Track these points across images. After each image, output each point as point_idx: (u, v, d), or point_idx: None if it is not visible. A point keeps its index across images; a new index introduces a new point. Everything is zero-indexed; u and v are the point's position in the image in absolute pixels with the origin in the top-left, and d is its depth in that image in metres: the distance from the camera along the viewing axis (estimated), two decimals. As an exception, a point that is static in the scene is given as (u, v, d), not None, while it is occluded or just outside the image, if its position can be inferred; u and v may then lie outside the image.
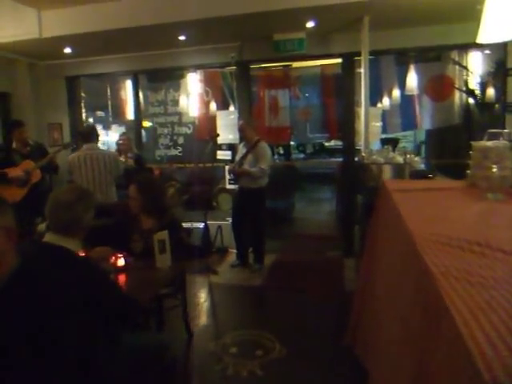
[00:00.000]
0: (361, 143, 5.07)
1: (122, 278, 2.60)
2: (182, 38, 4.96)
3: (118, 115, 7.36)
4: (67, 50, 5.41)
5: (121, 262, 2.64)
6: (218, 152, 5.75)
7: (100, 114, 8.45)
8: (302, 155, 10.02)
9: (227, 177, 5.47)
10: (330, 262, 5.17)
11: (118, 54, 5.78)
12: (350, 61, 5.16)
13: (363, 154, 4.23)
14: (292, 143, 8.90)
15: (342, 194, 5.96)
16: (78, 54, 5.65)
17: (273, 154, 8.30)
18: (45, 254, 1.71)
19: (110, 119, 7.74)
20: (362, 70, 4.47)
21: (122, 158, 5.34)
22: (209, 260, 5.02)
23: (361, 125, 5.08)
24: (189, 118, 6.06)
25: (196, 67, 5.74)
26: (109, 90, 6.99)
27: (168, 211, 3.22)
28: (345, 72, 5.23)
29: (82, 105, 6.56)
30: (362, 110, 4.53)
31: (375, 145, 5.18)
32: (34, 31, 4.72)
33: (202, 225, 5.52)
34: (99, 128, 7.77)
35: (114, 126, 8.09)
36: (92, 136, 4.49)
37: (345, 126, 5.30)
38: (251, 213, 4.83)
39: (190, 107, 6.07)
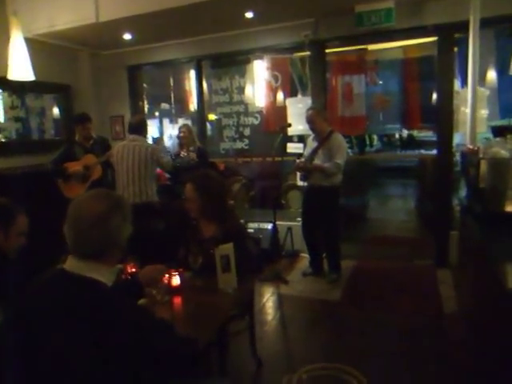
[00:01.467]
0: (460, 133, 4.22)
1: (177, 302, 2.09)
2: (249, 14, 4.37)
3: (182, 107, 6.97)
4: (127, 37, 5.05)
5: (176, 280, 2.13)
6: (289, 144, 5.12)
7: (165, 106, 8.15)
8: (379, 147, 9.07)
9: (298, 172, 4.84)
10: (419, 273, 4.39)
11: (180, 40, 5.33)
12: (448, 35, 4.28)
13: (470, 147, 3.40)
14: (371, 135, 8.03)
15: (432, 192, 5.09)
16: (138, 41, 5.28)
17: (351, 147, 7.57)
18: (68, 292, 1.23)
19: (173, 111, 7.38)
20: (471, 42, 3.61)
21: (183, 153, 4.94)
22: (278, 266, 4.45)
23: (459, 112, 4.25)
24: (255, 108, 5.48)
25: (264, 50, 5.13)
26: (171, 80, 6.60)
27: (232, 215, 2.68)
28: (442, 49, 4.35)
29: (144, 96, 6.25)
30: (468, 93, 3.67)
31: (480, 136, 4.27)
32: (91, 16, 4.37)
33: (270, 225, 4.95)
34: (166, 122, 7.51)
35: (180, 120, 7.74)
36: (140, 128, 4.15)
37: (440, 114, 4.43)
38: (323, 214, 4.18)
39: (256, 95, 5.49)
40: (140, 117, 4.70)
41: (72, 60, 5.71)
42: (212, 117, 5.84)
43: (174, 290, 2.11)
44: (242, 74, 5.46)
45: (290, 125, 4.58)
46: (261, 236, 4.93)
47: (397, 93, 5.54)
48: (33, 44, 4.32)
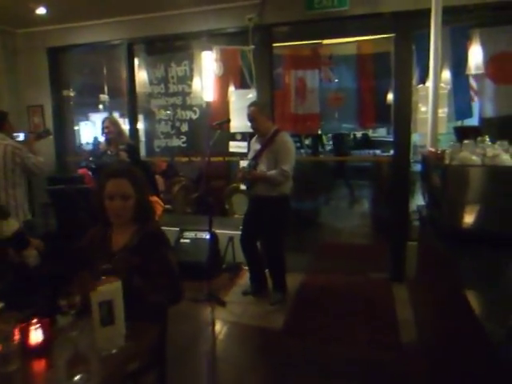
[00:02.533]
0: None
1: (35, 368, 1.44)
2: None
3: (118, 99, 6.21)
4: (41, 11, 4.26)
5: (35, 335, 1.48)
6: (231, 143, 4.54)
7: (104, 97, 7.31)
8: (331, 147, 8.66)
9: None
10: (373, 290, 3.92)
11: (108, 19, 4.61)
12: (406, 25, 3.85)
13: (432, 150, 2.95)
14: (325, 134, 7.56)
15: (387, 196, 4.67)
16: (58, 18, 4.52)
17: (300, 147, 7.04)
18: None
19: (107, 104, 6.60)
20: (433, 33, 3.15)
21: (110, 150, 4.25)
22: (214, 283, 3.84)
23: (417, 110, 3.83)
24: (195, 100, 4.83)
25: (203, 34, 4.49)
26: (104, 67, 5.82)
27: (154, 216, 2.14)
28: (399, 43, 3.92)
29: (70, 84, 5.45)
30: (429, 90, 3.21)
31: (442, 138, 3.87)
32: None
33: (207, 235, 4.35)
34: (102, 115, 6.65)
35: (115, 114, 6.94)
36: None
37: (397, 112, 3.99)
38: (269, 226, 3.62)
39: (196, 85, 4.84)
40: None
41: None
42: (162, 112, 5.02)
43: (32, 351, 1.46)
44: (179, 62, 4.78)
45: (228, 120, 3.98)
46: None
47: (352, 90, 5.11)
48: None
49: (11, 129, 3.51)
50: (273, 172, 3.47)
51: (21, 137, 4.43)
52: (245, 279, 4.08)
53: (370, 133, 8.94)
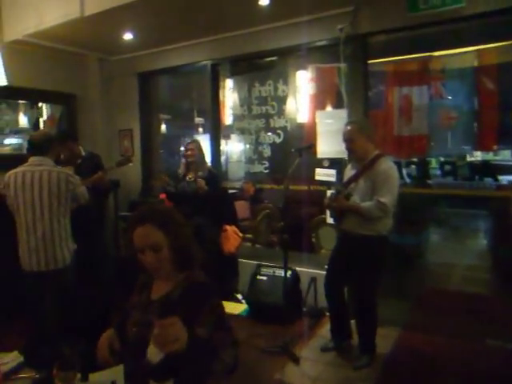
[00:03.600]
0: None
1: None
2: (263, 1, 3.38)
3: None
4: (127, 36, 4.25)
5: None
6: (318, 170, 3.99)
7: (199, 120, 7.34)
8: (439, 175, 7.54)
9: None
10: (493, 363, 3.01)
11: (193, 40, 4.46)
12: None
13: None
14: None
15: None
16: (144, 42, 4.50)
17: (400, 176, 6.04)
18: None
19: (200, 129, 6.53)
20: None
21: (188, 177, 4.05)
22: (290, 331, 3.30)
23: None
24: (278, 122, 4.42)
25: (289, 50, 4.08)
26: (194, 90, 5.74)
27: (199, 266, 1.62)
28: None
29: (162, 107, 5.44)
30: None
31: None
32: (75, 10, 3.62)
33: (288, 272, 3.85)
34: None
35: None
36: (45, 147, 2.85)
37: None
38: (360, 273, 2.99)
39: (281, 106, 4.43)
40: (44, 131, 3.80)
41: (78, 66, 5.04)
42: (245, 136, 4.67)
43: None
44: (263, 82, 4.43)
45: (311, 146, 3.47)
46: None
47: (468, 107, 4.32)
48: (34, 49, 4.03)
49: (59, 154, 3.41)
50: (368, 203, 2.86)
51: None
52: (326, 329, 3.46)
53: (491, 155, 7.69)
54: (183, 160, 4.13)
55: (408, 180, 6.21)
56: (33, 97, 4.66)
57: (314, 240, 4.61)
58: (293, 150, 3.21)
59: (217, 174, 4.20)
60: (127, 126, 5.27)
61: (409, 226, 4.92)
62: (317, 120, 3.97)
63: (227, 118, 4.82)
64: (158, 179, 4.17)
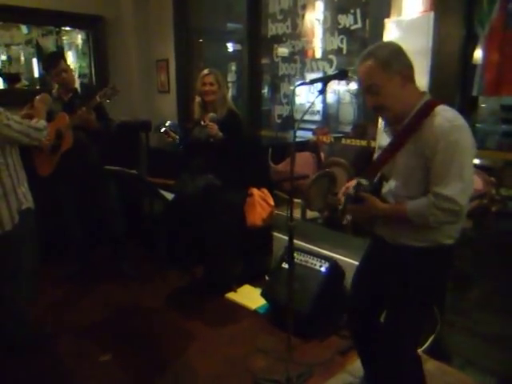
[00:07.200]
0: None
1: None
2: None
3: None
4: None
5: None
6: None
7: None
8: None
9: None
10: None
11: None
12: None
13: None
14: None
15: None
16: None
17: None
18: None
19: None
20: None
21: (203, 120, 3.13)
22: (312, 354, 2.31)
23: None
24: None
25: None
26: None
27: None
28: None
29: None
30: None
31: None
32: None
33: (325, 265, 2.76)
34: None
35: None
36: None
37: None
38: (397, 304, 1.75)
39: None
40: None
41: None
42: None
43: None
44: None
45: (346, 71, 2.11)
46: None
47: None
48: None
49: None
50: (419, 202, 1.57)
51: None
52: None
53: None
54: (197, 99, 3.14)
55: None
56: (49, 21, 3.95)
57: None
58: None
59: (238, 115, 3.13)
60: (165, 55, 4.38)
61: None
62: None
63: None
64: (166, 137, 3.30)
